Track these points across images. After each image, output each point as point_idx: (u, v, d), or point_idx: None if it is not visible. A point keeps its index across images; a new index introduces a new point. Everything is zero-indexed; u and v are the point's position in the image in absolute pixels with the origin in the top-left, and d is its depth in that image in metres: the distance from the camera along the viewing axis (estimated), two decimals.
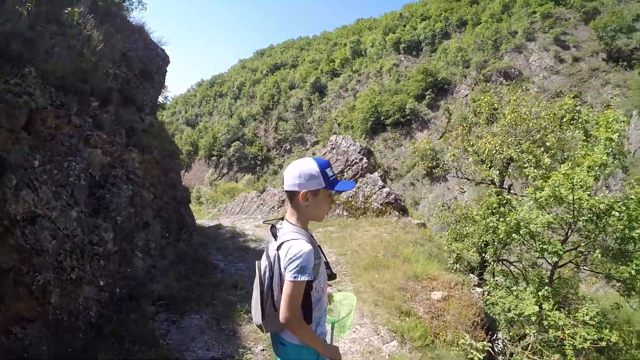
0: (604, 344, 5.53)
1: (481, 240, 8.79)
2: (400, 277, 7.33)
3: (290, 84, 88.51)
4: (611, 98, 36.44)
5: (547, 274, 7.26)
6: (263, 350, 4.14)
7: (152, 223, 5.72)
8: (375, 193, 15.83)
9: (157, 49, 8.31)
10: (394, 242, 9.83)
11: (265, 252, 2.22)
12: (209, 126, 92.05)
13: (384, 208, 15.13)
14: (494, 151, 9.38)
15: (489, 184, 11.39)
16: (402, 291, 6.91)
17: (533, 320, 5.80)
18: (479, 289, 7.56)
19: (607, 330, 5.48)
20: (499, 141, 9.41)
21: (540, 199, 6.06)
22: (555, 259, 6.17)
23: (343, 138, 19.73)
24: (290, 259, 2.02)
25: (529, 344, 5.48)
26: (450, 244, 9.44)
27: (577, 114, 6.82)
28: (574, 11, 50.82)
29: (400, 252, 8.93)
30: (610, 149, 5.94)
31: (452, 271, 8.66)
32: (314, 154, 68.86)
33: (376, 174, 17.28)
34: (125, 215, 4.78)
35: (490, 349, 5.27)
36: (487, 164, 10.29)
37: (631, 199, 5.74)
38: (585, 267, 6.67)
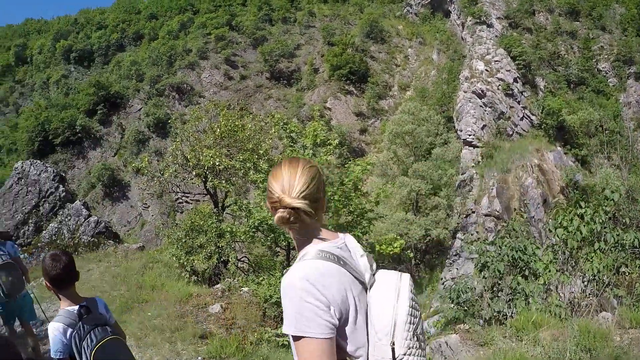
0: None
1: (217, 247, 9.24)
2: (168, 307, 7.14)
3: None
4: (274, 109, 45.26)
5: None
6: None
7: None
8: (82, 224, 14.11)
9: None
10: (126, 273, 9.31)
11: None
12: None
13: (96, 240, 13.74)
14: (217, 162, 9.92)
15: (205, 195, 11.94)
16: (182, 318, 6.76)
17: None
18: (245, 288, 8.27)
19: None
20: (217, 153, 10.08)
21: None
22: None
23: (31, 164, 16.51)
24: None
25: None
26: (182, 259, 9.17)
27: (284, 125, 8.63)
28: (245, 37, 58.91)
29: (143, 282, 8.57)
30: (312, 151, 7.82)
31: (191, 283, 8.83)
32: None
33: (78, 202, 15.38)
34: None
35: None
36: (207, 176, 10.81)
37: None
38: None
